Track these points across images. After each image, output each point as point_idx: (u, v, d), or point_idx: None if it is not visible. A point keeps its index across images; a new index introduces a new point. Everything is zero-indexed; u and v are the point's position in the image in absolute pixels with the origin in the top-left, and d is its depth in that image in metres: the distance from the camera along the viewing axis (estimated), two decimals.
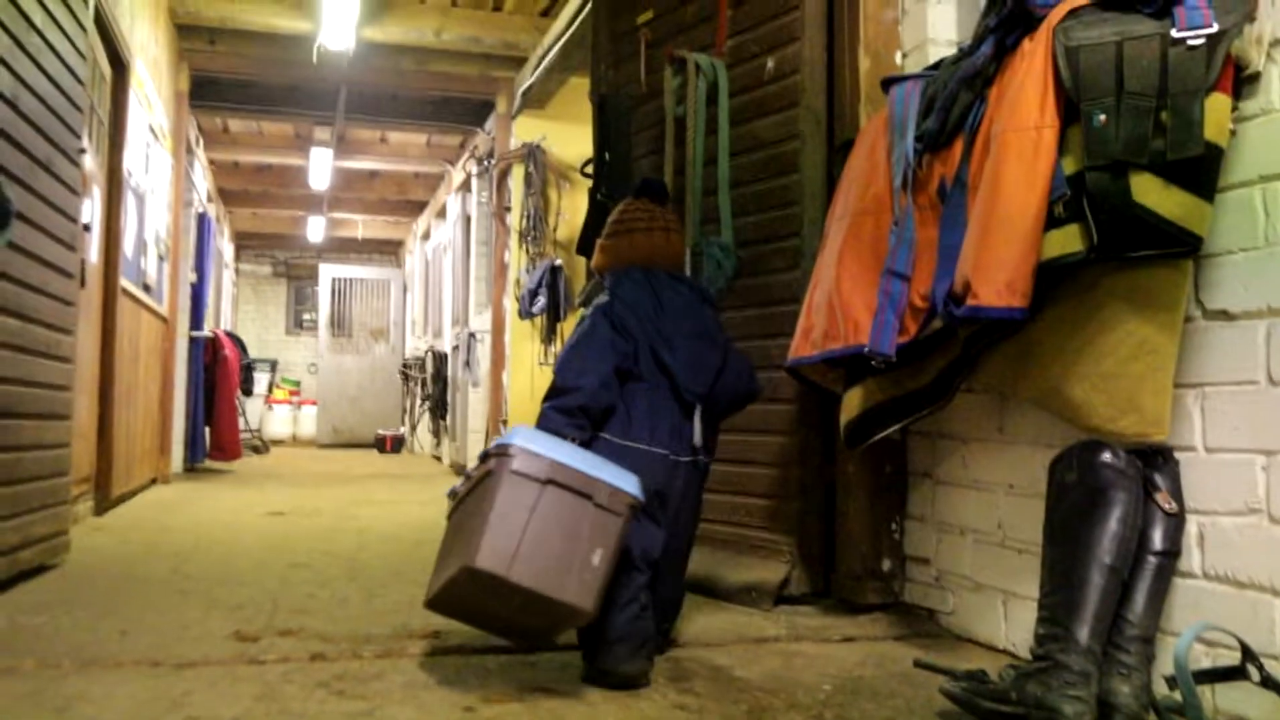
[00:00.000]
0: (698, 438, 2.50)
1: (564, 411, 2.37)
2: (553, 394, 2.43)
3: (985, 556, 2.76)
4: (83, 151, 4.17)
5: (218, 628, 2.75)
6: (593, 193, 4.09)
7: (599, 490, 2.19)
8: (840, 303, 2.65)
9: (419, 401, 11.40)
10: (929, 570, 2.99)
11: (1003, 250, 2.17)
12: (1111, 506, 2.05)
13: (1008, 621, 2.66)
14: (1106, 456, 2.09)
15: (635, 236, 2.65)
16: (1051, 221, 2.17)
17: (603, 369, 2.40)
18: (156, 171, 6.60)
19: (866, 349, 2.54)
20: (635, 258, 2.63)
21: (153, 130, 6.38)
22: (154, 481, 6.95)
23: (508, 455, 2.18)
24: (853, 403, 2.76)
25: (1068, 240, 2.15)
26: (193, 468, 8.19)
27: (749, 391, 2.67)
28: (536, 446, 2.20)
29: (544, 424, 2.37)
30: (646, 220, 2.66)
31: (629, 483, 2.26)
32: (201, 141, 9.13)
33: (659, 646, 2.54)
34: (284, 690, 2.20)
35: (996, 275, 2.17)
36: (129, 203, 5.62)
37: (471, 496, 2.30)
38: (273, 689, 2.21)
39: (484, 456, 2.30)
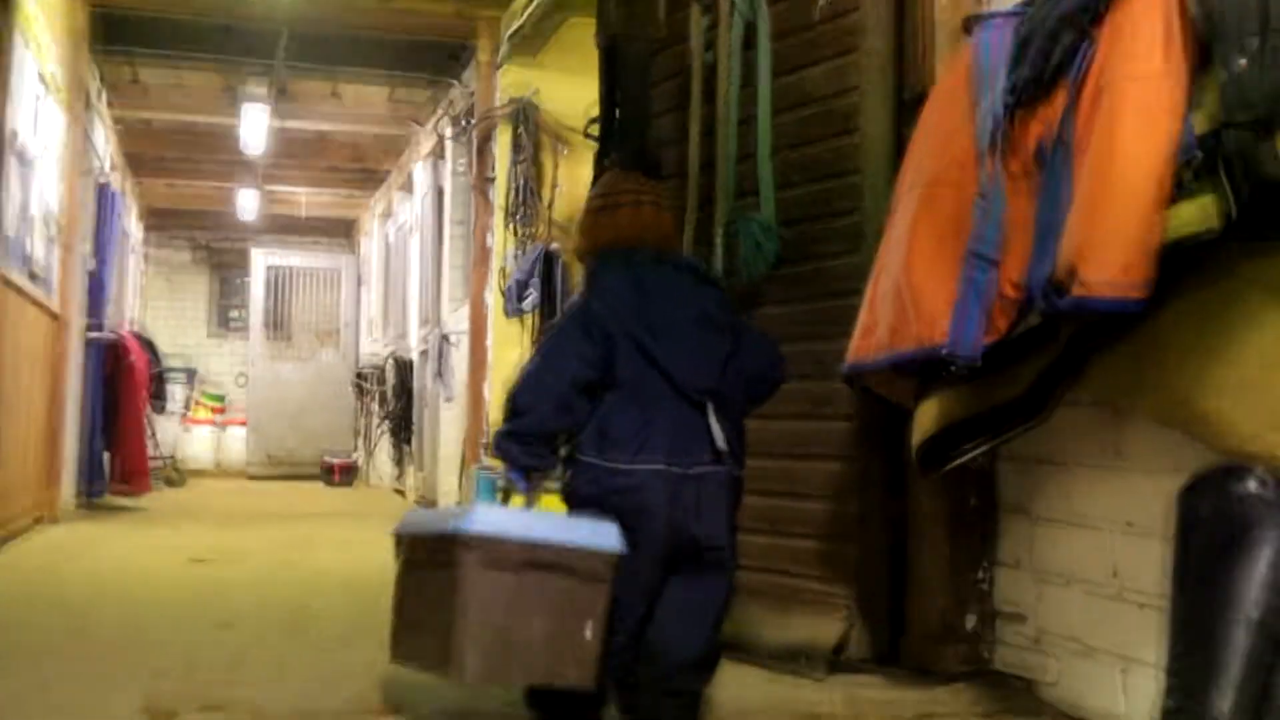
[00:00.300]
0: (721, 440, 2.56)
1: (519, 440, 2.54)
2: (507, 416, 2.58)
3: (1097, 612, 2.77)
4: None
5: (125, 701, 2.77)
6: (599, 159, 4.12)
7: (576, 560, 2.39)
8: (911, 293, 2.67)
9: (377, 421, 11.45)
10: (1025, 629, 3.00)
11: (1117, 226, 2.19)
12: (1258, 547, 2.06)
13: (1126, 694, 2.67)
14: (1251, 485, 2.09)
15: (619, 213, 2.77)
16: (1179, 191, 2.18)
17: (560, 388, 2.55)
18: (47, 131, 6.66)
19: (945, 350, 2.55)
20: (619, 238, 2.74)
21: (43, 79, 6.44)
22: (39, 521, 6.96)
23: (469, 547, 2.34)
24: (927, 418, 2.78)
25: (1199, 214, 2.16)
26: (90, 503, 8.21)
27: (768, 376, 2.74)
28: (499, 530, 2.37)
29: (500, 453, 2.56)
30: (633, 194, 2.79)
31: (607, 535, 2.44)
32: (104, 95, 9.20)
33: (682, 712, 2.58)
34: None
35: (1109, 257, 2.19)
36: (12, 169, 5.67)
37: (432, 579, 2.44)
38: None
39: (440, 539, 2.44)
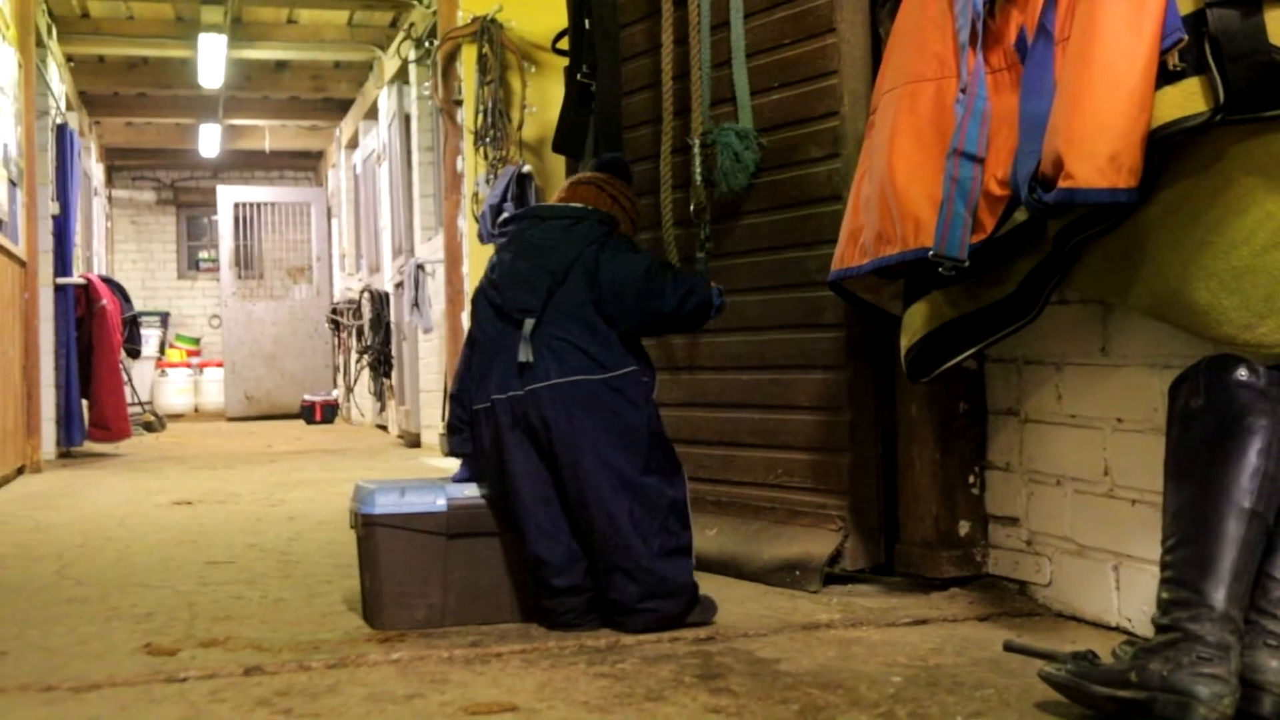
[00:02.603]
0: (525, 354, 2.80)
1: (452, 431, 3.01)
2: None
3: (1089, 512, 2.79)
4: None
5: (123, 641, 2.79)
6: (570, 73, 4.07)
7: (423, 522, 2.86)
8: (895, 195, 2.66)
9: (355, 357, 11.42)
10: (1018, 533, 3.04)
11: (1104, 115, 2.17)
12: (1249, 436, 2.07)
13: (1120, 591, 2.70)
14: (1241, 374, 2.11)
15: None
16: (1165, 76, 2.17)
17: (463, 371, 3.00)
18: (0, 72, 6.54)
19: (931, 252, 2.54)
20: None
21: None
22: (21, 471, 6.98)
23: (374, 526, 2.87)
24: (915, 323, 2.78)
25: (1186, 99, 2.15)
26: (69, 452, 8.22)
27: (634, 286, 2.88)
28: (389, 507, 2.86)
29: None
30: (577, 179, 3.17)
31: (452, 491, 2.90)
32: (54, 31, 9.03)
33: (608, 612, 2.83)
34: (214, 712, 2.24)
35: (1096, 147, 2.17)
36: None
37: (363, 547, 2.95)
38: (200, 711, 2.25)
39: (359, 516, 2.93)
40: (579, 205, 3.04)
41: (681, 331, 3.17)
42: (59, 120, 8.64)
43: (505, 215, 3.17)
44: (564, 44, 4.15)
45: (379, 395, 10.84)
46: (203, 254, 15.78)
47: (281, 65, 11.23)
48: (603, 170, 3.19)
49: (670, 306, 2.90)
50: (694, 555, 2.88)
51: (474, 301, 3.03)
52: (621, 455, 2.77)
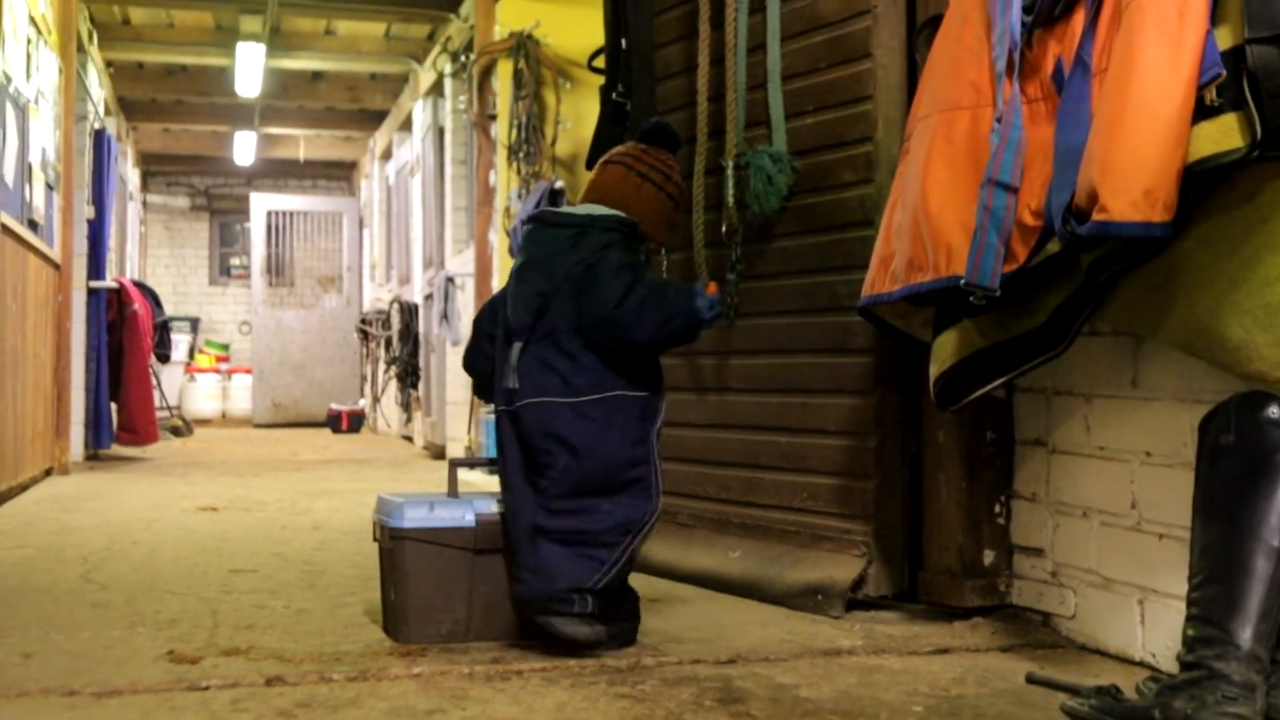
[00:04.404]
0: (509, 378, 2.86)
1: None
2: None
3: (1116, 544, 2.78)
4: None
5: (146, 647, 2.81)
6: (605, 91, 4.09)
7: (449, 537, 2.89)
8: (928, 223, 2.66)
9: (383, 367, 11.49)
10: (1043, 563, 3.03)
11: (1140, 149, 2.17)
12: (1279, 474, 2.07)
13: (1145, 626, 2.69)
14: (1273, 412, 2.11)
15: (593, 175, 3.08)
16: (1202, 111, 2.17)
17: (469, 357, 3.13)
18: (41, 76, 6.63)
19: (963, 281, 2.55)
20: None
21: (34, 22, 6.40)
22: (49, 472, 7.06)
23: (402, 539, 2.88)
24: (945, 351, 2.78)
25: (1223, 135, 2.15)
26: (97, 455, 8.30)
27: (601, 319, 2.80)
28: (418, 521, 2.88)
29: None
30: (618, 155, 3.05)
31: (479, 506, 2.92)
32: (95, 37, 9.15)
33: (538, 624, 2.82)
34: None
35: (1131, 182, 2.17)
36: (8, 116, 5.66)
37: (388, 559, 2.97)
38: None
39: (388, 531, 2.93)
40: (586, 212, 2.95)
41: (672, 349, 3.04)
42: (97, 125, 8.75)
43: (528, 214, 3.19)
44: (600, 62, 4.17)
45: (405, 406, 10.89)
46: (234, 261, 15.93)
47: (318, 75, 11.34)
48: (644, 139, 3.06)
49: (646, 338, 2.81)
50: (621, 576, 2.84)
51: (494, 303, 3.04)
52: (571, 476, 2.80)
